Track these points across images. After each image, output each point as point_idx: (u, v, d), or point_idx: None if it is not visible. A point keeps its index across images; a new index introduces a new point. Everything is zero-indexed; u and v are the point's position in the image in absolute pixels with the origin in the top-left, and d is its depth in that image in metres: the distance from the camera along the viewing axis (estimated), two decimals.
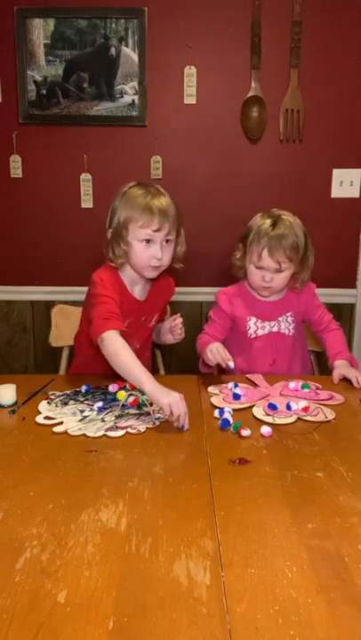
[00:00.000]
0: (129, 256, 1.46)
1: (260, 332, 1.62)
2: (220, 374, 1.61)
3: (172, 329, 1.57)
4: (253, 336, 1.62)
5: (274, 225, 1.53)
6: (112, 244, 1.47)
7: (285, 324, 1.63)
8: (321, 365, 1.84)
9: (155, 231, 1.42)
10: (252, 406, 1.32)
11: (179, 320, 1.55)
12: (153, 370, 1.85)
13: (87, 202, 2.16)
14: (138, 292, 1.54)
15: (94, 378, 1.48)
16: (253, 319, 1.62)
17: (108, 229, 1.48)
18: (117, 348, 1.30)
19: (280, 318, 1.63)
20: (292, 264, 1.55)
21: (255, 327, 1.62)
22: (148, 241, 1.44)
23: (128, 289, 1.52)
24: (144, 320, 1.58)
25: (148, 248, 1.44)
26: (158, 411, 1.27)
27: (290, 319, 1.63)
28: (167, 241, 1.46)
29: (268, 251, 1.51)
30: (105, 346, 1.32)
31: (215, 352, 1.44)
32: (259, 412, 1.28)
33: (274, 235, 1.51)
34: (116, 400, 1.32)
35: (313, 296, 1.68)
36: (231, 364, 1.42)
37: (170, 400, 1.18)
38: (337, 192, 2.16)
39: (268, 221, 1.54)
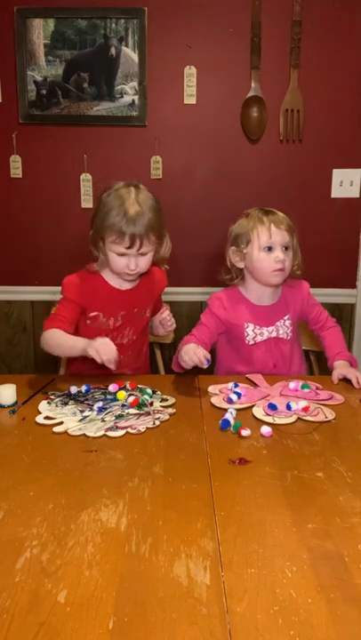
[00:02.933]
0: (108, 262, 1.50)
1: (259, 339, 1.60)
2: (198, 373, 1.56)
3: (162, 322, 1.59)
4: (252, 343, 1.60)
5: (264, 211, 1.58)
6: (95, 246, 1.51)
7: (283, 329, 1.62)
8: (321, 365, 1.84)
9: (127, 249, 1.44)
10: (252, 406, 1.32)
11: (166, 312, 1.59)
12: (153, 369, 1.85)
13: (87, 202, 2.16)
14: (126, 282, 1.56)
15: (94, 378, 1.48)
16: (251, 325, 1.60)
17: (91, 228, 1.51)
18: (49, 335, 1.45)
19: (278, 323, 1.61)
20: (293, 240, 1.58)
21: (254, 334, 1.60)
22: (122, 254, 1.46)
23: (111, 283, 1.54)
24: (137, 311, 1.58)
25: (121, 259, 1.47)
26: (159, 411, 1.27)
27: (288, 322, 1.62)
28: (142, 253, 1.47)
29: (274, 224, 1.54)
30: (45, 343, 1.46)
31: (192, 354, 1.38)
32: (259, 411, 1.28)
33: (271, 215, 1.56)
34: (116, 400, 1.32)
35: (308, 294, 1.67)
36: (206, 362, 1.37)
37: (94, 346, 1.32)
38: (337, 192, 2.16)
39: (257, 210, 1.59)
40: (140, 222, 1.41)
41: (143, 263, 1.48)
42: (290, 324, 1.63)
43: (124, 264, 1.46)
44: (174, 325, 1.59)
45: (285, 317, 1.62)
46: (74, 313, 1.51)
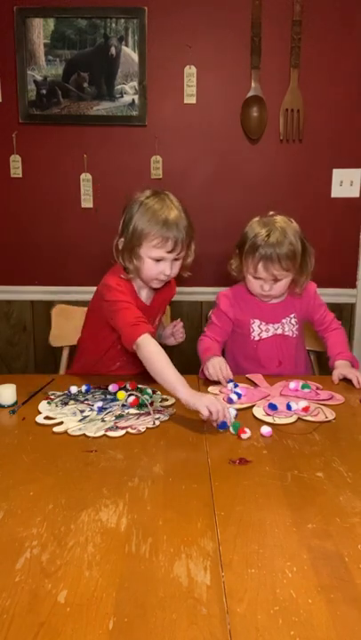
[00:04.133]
0: (139, 270, 1.47)
1: (265, 335, 1.61)
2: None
3: (174, 333, 1.61)
4: (258, 339, 1.61)
5: (268, 235, 1.50)
6: (123, 255, 1.46)
7: (289, 326, 1.63)
8: (321, 365, 1.84)
9: (168, 252, 1.43)
10: (253, 406, 1.32)
11: (180, 325, 1.61)
12: None
13: (87, 202, 2.16)
14: (144, 296, 1.55)
15: (94, 378, 1.48)
16: (257, 322, 1.61)
17: (121, 236, 1.46)
18: (151, 353, 1.31)
19: (283, 320, 1.62)
20: (290, 272, 1.54)
21: (259, 330, 1.61)
22: (158, 260, 1.44)
23: (142, 298, 1.53)
24: (149, 321, 1.58)
25: (158, 264, 1.44)
26: (159, 411, 1.27)
27: (293, 320, 1.63)
28: (177, 259, 1.47)
29: (262, 265, 1.50)
30: (140, 351, 1.32)
31: (217, 369, 1.46)
32: (259, 411, 1.28)
33: (268, 246, 1.49)
34: (116, 400, 1.32)
35: (315, 295, 1.67)
36: (230, 385, 1.43)
37: (205, 402, 1.17)
38: (337, 192, 2.16)
39: (263, 231, 1.51)
40: (181, 226, 1.41)
41: (177, 268, 1.48)
42: (296, 322, 1.63)
43: (160, 269, 1.45)
44: (184, 337, 1.62)
45: (292, 315, 1.63)
46: (139, 310, 1.43)
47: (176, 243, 1.41)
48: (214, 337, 1.63)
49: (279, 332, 1.62)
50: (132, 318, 1.36)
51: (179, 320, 1.61)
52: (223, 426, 1.19)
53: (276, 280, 1.54)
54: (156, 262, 1.44)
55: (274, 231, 1.50)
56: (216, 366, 1.47)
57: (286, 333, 1.62)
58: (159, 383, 1.29)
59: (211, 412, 1.16)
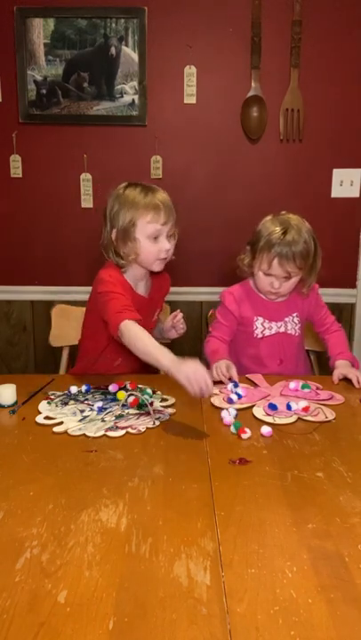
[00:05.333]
0: (137, 253, 1.47)
1: (268, 333, 1.62)
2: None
3: (175, 325, 1.60)
4: (260, 336, 1.62)
5: (284, 233, 1.50)
6: (118, 245, 1.48)
7: (292, 325, 1.63)
8: (321, 365, 1.84)
9: (162, 225, 1.45)
10: (253, 406, 1.32)
11: (180, 316, 1.59)
12: (153, 369, 1.85)
13: (87, 202, 2.17)
14: (141, 289, 1.56)
15: (94, 378, 1.48)
16: (261, 319, 1.62)
17: (111, 231, 1.48)
18: (135, 335, 1.31)
19: (287, 319, 1.62)
20: (302, 271, 1.54)
21: (262, 327, 1.61)
22: (155, 237, 1.46)
23: (133, 287, 1.54)
24: (147, 316, 1.59)
25: (156, 242, 1.47)
26: (159, 411, 1.27)
27: (296, 319, 1.63)
28: (170, 235, 1.50)
29: (278, 261, 1.50)
30: (124, 336, 1.32)
31: (219, 372, 1.47)
32: (259, 411, 1.28)
33: (285, 244, 1.48)
34: (116, 400, 1.32)
35: (317, 296, 1.67)
36: (230, 385, 1.42)
37: (184, 371, 1.17)
38: (337, 192, 2.16)
39: (279, 229, 1.50)
40: (166, 200, 1.46)
41: (173, 246, 1.51)
42: (298, 321, 1.64)
43: (159, 247, 1.47)
44: (185, 329, 1.61)
45: (294, 314, 1.63)
46: (130, 300, 1.43)
47: (167, 215, 1.45)
48: (221, 336, 1.63)
49: (282, 330, 1.62)
50: (118, 307, 1.37)
51: (178, 311, 1.59)
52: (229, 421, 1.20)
53: (287, 278, 1.54)
54: (154, 241, 1.46)
55: (290, 229, 1.51)
56: (219, 368, 1.48)
57: (289, 332, 1.63)
58: (146, 361, 1.29)
59: (191, 385, 1.16)
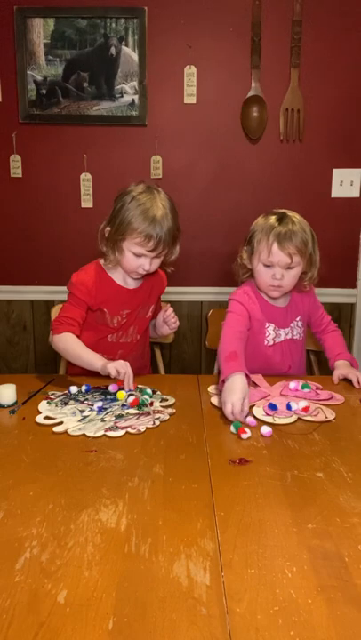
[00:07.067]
0: (118, 259, 1.51)
1: (277, 340, 1.60)
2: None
3: (166, 319, 1.59)
4: (271, 343, 1.59)
5: (280, 220, 1.50)
6: (107, 243, 1.51)
7: (297, 330, 1.62)
8: (321, 365, 1.84)
9: (149, 251, 1.47)
10: (253, 406, 1.32)
11: (170, 311, 1.59)
12: (153, 369, 1.86)
13: (87, 202, 2.16)
14: (131, 281, 1.58)
15: (94, 378, 1.48)
16: (272, 326, 1.58)
17: (108, 224, 1.50)
18: (66, 343, 1.46)
19: (292, 324, 1.61)
20: (302, 260, 1.51)
21: (274, 334, 1.59)
22: (139, 256, 1.48)
23: (118, 281, 1.56)
24: (141, 309, 1.60)
25: (138, 259, 1.49)
26: (159, 411, 1.27)
27: (300, 323, 1.62)
28: (157, 257, 1.50)
29: (278, 244, 1.47)
30: (56, 345, 1.48)
31: (236, 411, 1.22)
32: (259, 411, 1.28)
33: (282, 228, 1.48)
34: (116, 400, 1.32)
35: (314, 296, 1.67)
36: (248, 418, 1.24)
37: (114, 364, 1.35)
38: (337, 192, 2.16)
39: (274, 217, 1.51)
40: (165, 227, 1.45)
41: (156, 265, 1.53)
42: (301, 325, 1.63)
43: (139, 264, 1.49)
44: (178, 323, 1.61)
45: (298, 318, 1.62)
46: (83, 312, 1.52)
47: (158, 243, 1.45)
48: (235, 328, 1.50)
49: (289, 336, 1.61)
50: (63, 316, 1.50)
51: (168, 305, 1.60)
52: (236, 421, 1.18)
53: (288, 267, 1.50)
54: (137, 257, 1.48)
55: (285, 217, 1.51)
56: (235, 406, 1.23)
57: (295, 337, 1.61)
58: (80, 366, 1.44)
59: (118, 372, 1.33)
